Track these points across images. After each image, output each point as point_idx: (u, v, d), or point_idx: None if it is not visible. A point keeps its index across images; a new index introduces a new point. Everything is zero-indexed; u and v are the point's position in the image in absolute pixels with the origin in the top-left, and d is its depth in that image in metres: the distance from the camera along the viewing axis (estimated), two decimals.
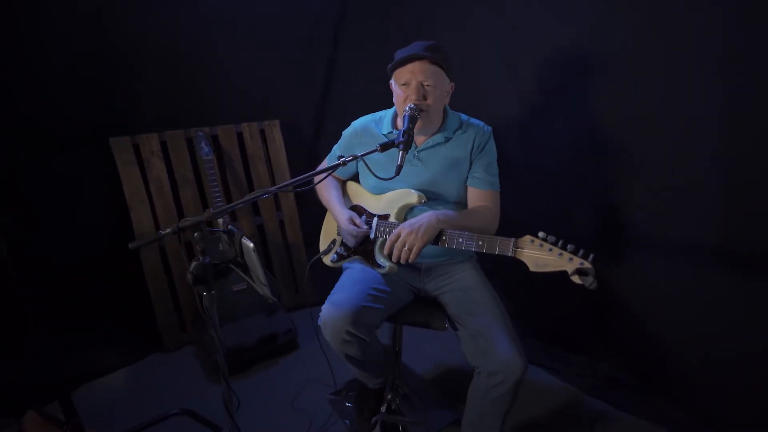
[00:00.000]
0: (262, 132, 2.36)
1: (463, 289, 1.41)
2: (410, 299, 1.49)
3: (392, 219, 1.40)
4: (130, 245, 1.01)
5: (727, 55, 1.36)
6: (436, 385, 1.95)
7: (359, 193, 1.57)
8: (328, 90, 2.51)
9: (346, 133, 1.57)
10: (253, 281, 1.14)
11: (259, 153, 2.35)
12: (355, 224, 1.44)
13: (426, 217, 1.27)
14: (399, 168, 1.15)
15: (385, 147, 1.16)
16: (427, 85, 1.31)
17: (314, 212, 2.55)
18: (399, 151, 1.17)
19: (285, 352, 2.13)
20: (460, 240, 1.22)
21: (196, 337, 2.21)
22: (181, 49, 2.10)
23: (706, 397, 1.66)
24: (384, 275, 1.41)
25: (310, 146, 2.53)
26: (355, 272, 1.43)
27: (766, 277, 1.41)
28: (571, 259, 1.04)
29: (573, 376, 1.97)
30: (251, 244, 1.05)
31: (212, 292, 1.12)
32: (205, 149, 2.08)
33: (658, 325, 1.77)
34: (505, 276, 1.85)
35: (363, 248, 1.46)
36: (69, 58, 1.89)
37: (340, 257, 1.52)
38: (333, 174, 1.59)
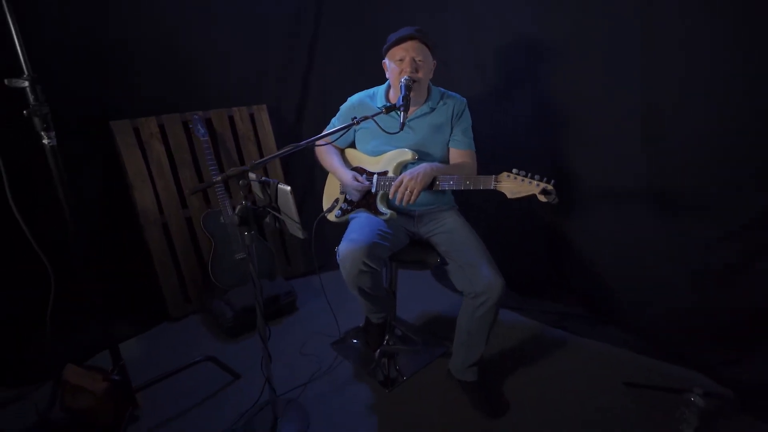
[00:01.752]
0: (252, 116, 2.55)
1: (450, 231, 1.71)
2: (407, 243, 1.77)
3: (390, 174, 1.68)
4: (187, 193, 1.21)
5: (645, 40, 1.74)
6: (425, 328, 2.25)
7: (358, 157, 1.83)
8: (307, 79, 2.73)
9: (343, 107, 1.83)
10: (285, 222, 1.37)
11: (250, 135, 2.54)
12: (358, 181, 1.70)
13: (422, 167, 1.56)
14: (403, 124, 1.43)
15: (389, 109, 1.43)
16: (419, 61, 1.60)
17: (302, 184, 2.79)
18: (400, 113, 1.44)
19: (287, 313, 2.35)
20: (451, 182, 1.52)
21: (200, 307, 2.37)
22: (178, 39, 2.25)
23: (642, 319, 2.05)
24: (386, 221, 1.68)
25: (293, 129, 2.75)
26: (362, 219, 1.69)
27: (681, 217, 1.81)
28: (538, 184, 1.37)
29: (537, 314, 2.32)
30: (288, 188, 1.29)
31: (252, 232, 1.35)
32: (201, 131, 2.25)
33: (602, 266, 2.15)
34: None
35: (366, 201, 1.73)
36: (72, 45, 2.00)
37: (345, 212, 1.78)
38: (332, 143, 1.84)
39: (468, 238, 1.67)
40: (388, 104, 1.45)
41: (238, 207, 1.29)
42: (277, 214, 1.35)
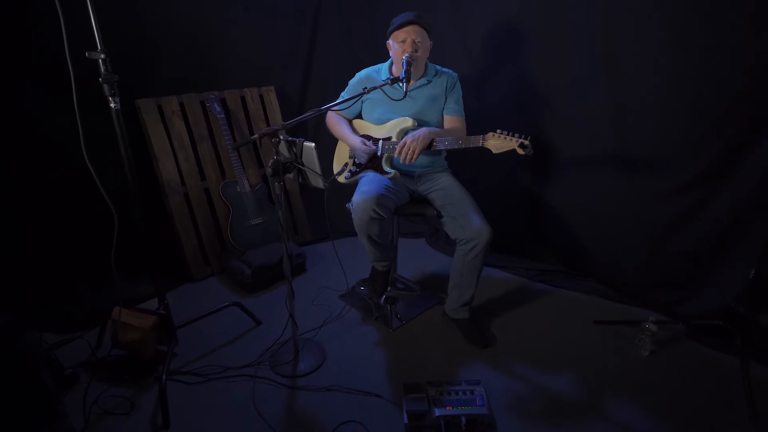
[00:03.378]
0: (261, 96, 2.80)
1: (445, 188, 1.99)
2: (408, 199, 2.05)
3: (394, 139, 1.95)
4: (231, 147, 1.46)
5: (606, 26, 2.02)
6: (422, 284, 2.53)
7: (364, 127, 2.10)
8: (310, 64, 2.98)
9: (352, 81, 2.09)
10: (308, 176, 1.63)
11: (260, 114, 2.78)
12: (366, 145, 1.97)
13: (422, 130, 1.83)
14: (405, 92, 1.71)
15: (394, 80, 1.70)
16: (418, 42, 1.87)
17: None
18: (403, 84, 1.71)
19: (297, 273, 2.61)
20: (446, 143, 1.80)
21: (218, 269, 2.62)
22: (196, 26, 2.49)
23: (612, 271, 2.36)
24: (390, 179, 1.95)
25: (298, 109, 3.00)
26: (370, 176, 1.96)
27: (642, 177, 2.11)
28: (517, 140, 1.65)
29: (521, 270, 2.62)
30: (312, 144, 1.55)
31: (282, 183, 1.61)
32: (217, 109, 2.50)
33: (577, 226, 2.45)
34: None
35: (372, 163, 2.00)
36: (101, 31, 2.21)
37: (354, 173, 2.05)
38: (341, 113, 2.11)
39: (460, 194, 1.95)
40: (393, 77, 1.72)
41: (271, 161, 1.55)
42: (302, 166, 1.61)
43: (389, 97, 1.77)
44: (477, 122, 2.28)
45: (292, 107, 2.98)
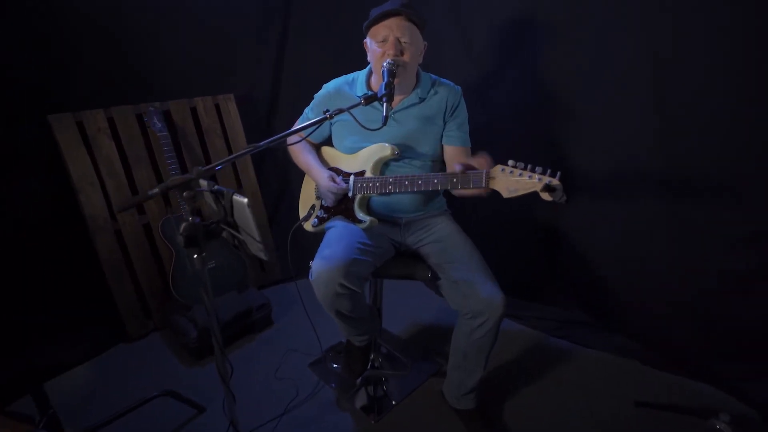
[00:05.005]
0: (217, 106, 2.27)
1: (442, 240, 1.48)
2: (392, 254, 1.54)
3: (368, 174, 1.44)
4: (116, 209, 0.96)
5: (654, 10, 1.52)
6: (415, 342, 2.03)
7: (334, 157, 1.58)
8: (281, 61, 2.45)
9: (318, 96, 1.57)
10: (245, 242, 1.13)
11: (215, 128, 2.26)
12: (334, 182, 1.46)
13: None
14: (385, 118, 1.18)
15: (368, 99, 1.18)
16: (404, 42, 1.34)
17: (276, 189, 2.54)
18: (383, 104, 1.20)
19: (260, 329, 2.10)
20: (435, 181, 1.29)
21: (161, 323, 2.12)
22: (125, 19, 1.95)
23: (651, 328, 1.87)
24: (366, 230, 1.45)
25: (266, 120, 2.48)
26: (339, 229, 1.45)
27: (698, 214, 1.61)
28: (540, 179, 1.13)
29: (535, 321, 2.13)
30: (245, 200, 1.04)
31: (203, 254, 1.10)
32: (158, 125, 1.97)
33: (605, 267, 1.95)
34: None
35: (343, 207, 1.49)
36: None
37: (321, 220, 1.53)
38: (307, 138, 1.59)
39: (462, 248, 1.45)
40: (369, 93, 1.20)
41: (183, 225, 1.04)
42: (233, 232, 1.10)
43: (362, 126, 1.23)
44: (480, 137, 1.78)
45: (258, 119, 2.46)
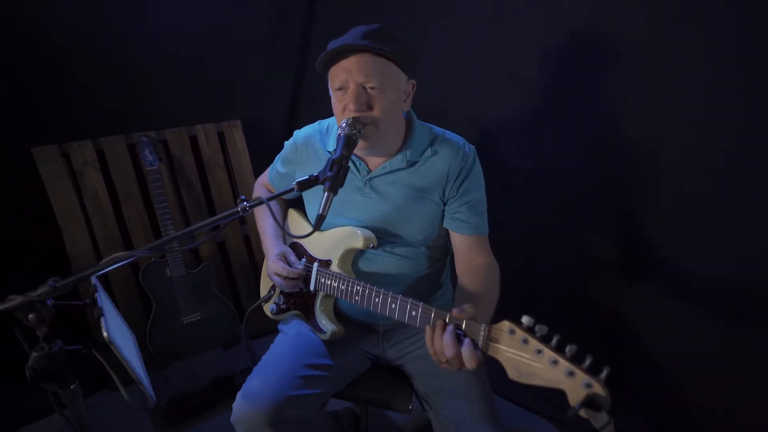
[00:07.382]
0: (221, 135, 2.04)
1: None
2: (366, 367, 1.16)
3: (334, 268, 1.05)
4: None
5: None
6: None
7: (302, 228, 1.22)
8: (299, 82, 2.16)
9: (287, 144, 1.24)
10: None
11: (218, 159, 2.03)
12: (287, 262, 1.10)
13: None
14: (320, 218, 0.81)
15: (303, 186, 0.81)
16: (371, 88, 0.94)
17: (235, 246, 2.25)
18: (324, 192, 0.82)
19: None
20: (414, 313, 0.86)
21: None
22: (118, 39, 1.77)
23: None
24: (326, 341, 1.08)
25: (278, 148, 2.20)
26: (287, 340, 1.10)
27: None
28: (571, 373, 0.66)
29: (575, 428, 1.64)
30: (110, 333, 0.74)
31: (72, 387, 0.82)
32: (149, 158, 1.77)
33: (678, 373, 1.45)
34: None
35: (302, 301, 1.13)
36: None
37: (280, 310, 1.19)
38: (269, 186, 1.30)
39: (458, 372, 1.03)
40: (314, 175, 0.83)
41: (32, 357, 0.76)
42: (104, 362, 0.81)
43: (306, 221, 0.86)
44: (520, 195, 1.34)
45: (270, 147, 2.17)
